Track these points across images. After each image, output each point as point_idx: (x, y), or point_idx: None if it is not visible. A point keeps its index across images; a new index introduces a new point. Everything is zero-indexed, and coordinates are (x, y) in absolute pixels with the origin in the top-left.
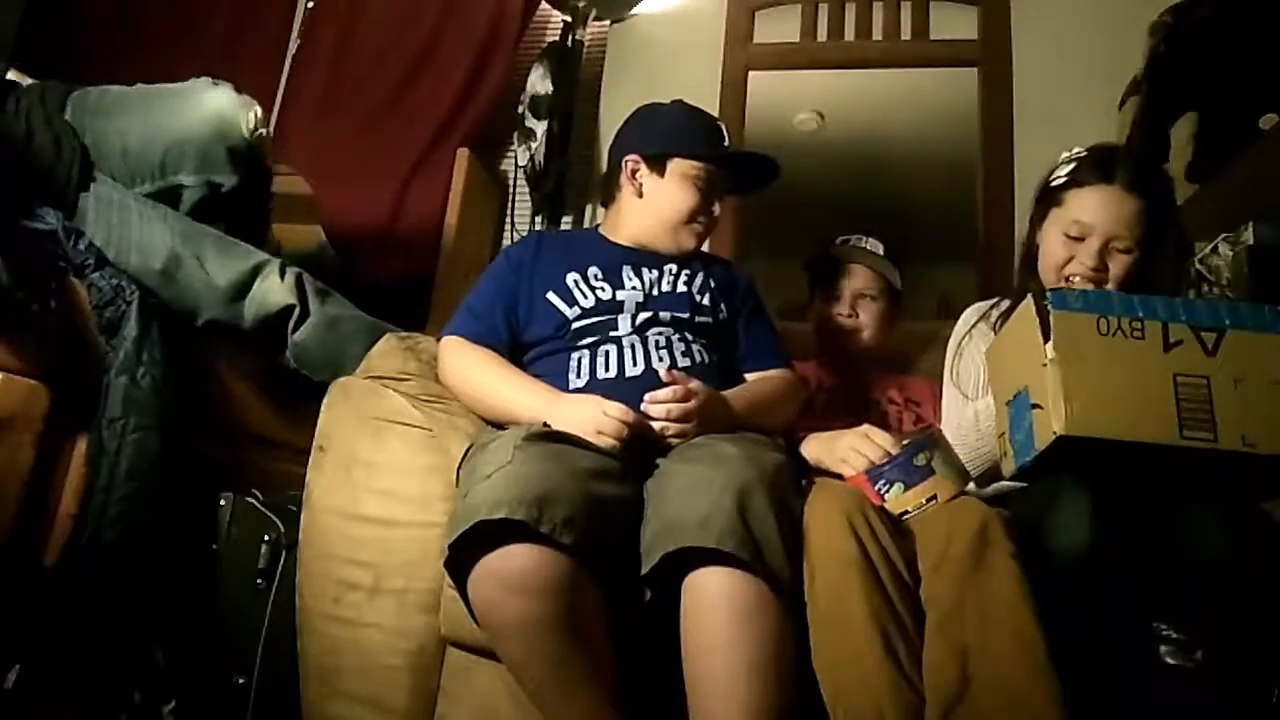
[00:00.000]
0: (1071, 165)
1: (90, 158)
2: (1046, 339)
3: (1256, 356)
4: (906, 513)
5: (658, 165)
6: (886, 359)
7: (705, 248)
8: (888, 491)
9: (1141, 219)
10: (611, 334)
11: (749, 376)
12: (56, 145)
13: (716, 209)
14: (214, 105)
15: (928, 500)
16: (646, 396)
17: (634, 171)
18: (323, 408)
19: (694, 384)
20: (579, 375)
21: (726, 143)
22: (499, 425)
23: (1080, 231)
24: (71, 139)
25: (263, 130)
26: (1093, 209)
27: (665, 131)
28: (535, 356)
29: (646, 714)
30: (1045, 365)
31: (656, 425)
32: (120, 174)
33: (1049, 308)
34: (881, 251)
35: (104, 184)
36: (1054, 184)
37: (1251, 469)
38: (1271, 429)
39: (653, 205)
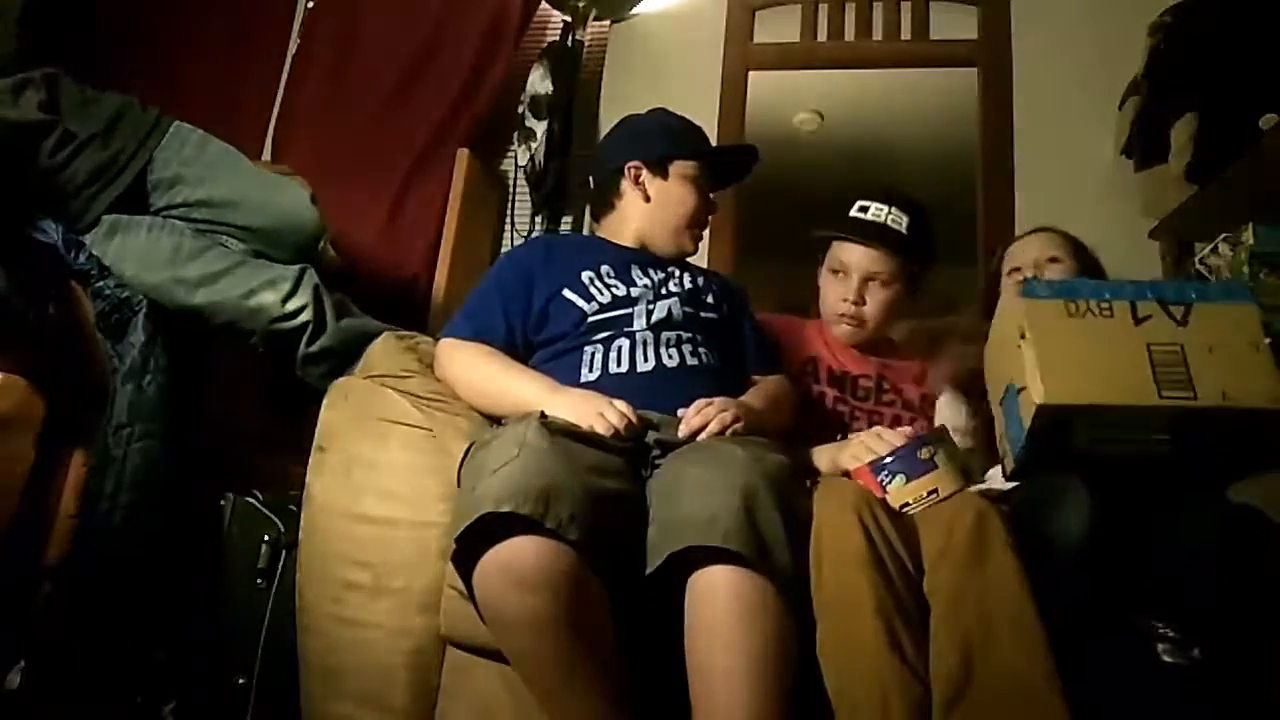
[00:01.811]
0: None
1: (146, 185)
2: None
3: (1227, 325)
4: (907, 504)
5: (660, 169)
6: (889, 351)
7: (704, 251)
8: (890, 483)
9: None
10: (626, 329)
11: (755, 378)
12: (99, 172)
13: (714, 206)
14: (301, 209)
15: (928, 493)
16: (682, 428)
17: (637, 177)
18: (323, 408)
19: (700, 400)
20: (591, 369)
21: (711, 144)
22: (498, 421)
23: (1017, 263)
24: (127, 160)
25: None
26: (1021, 246)
27: (660, 136)
28: (550, 355)
29: (649, 710)
30: (1019, 346)
31: (713, 428)
32: (175, 202)
33: (1020, 297)
34: (904, 225)
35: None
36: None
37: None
38: (1249, 384)
39: (660, 207)
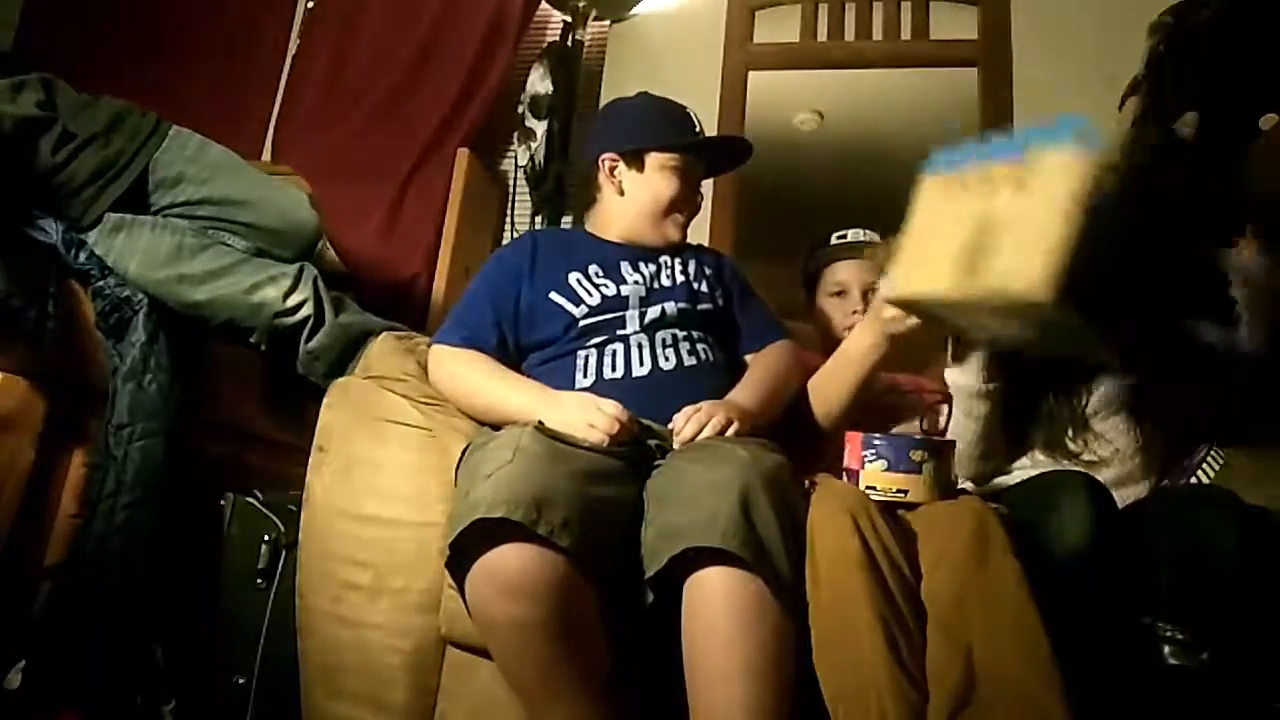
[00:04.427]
0: None
1: (147, 186)
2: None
3: (1050, 181)
4: (874, 488)
5: (635, 161)
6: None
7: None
8: (871, 462)
9: None
10: (619, 332)
11: (749, 358)
12: (100, 171)
13: (699, 196)
14: (301, 209)
15: (897, 490)
16: (675, 443)
17: (612, 169)
18: (323, 408)
19: (686, 409)
20: (585, 375)
21: (697, 128)
22: (494, 427)
23: None
24: (129, 160)
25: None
26: None
27: (636, 126)
28: (542, 359)
29: (646, 714)
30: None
31: (709, 431)
32: (178, 201)
33: (925, 172)
34: (876, 238)
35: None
36: None
37: None
38: (1022, 262)
39: (635, 201)
